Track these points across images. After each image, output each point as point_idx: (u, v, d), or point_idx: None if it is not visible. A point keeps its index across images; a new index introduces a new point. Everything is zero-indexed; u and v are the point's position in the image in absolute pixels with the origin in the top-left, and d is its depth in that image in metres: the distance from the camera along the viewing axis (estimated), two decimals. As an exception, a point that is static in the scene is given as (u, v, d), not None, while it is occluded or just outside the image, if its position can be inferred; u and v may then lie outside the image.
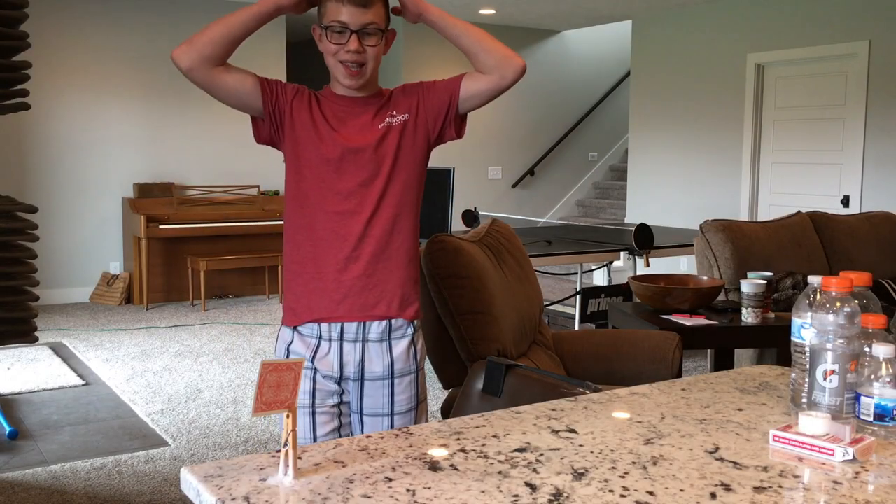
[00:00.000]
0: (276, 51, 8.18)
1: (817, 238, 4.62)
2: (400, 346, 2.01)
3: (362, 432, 2.01)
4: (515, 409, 1.56)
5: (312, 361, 1.97)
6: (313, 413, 1.97)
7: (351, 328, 1.96)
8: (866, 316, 1.47)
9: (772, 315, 3.46)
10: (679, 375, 2.99)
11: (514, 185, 9.62)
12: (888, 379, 1.41)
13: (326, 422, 1.98)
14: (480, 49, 1.95)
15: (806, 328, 1.49)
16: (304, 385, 1.95)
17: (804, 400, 1.48)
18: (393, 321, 1.99)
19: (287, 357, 1.99)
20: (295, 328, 1.99)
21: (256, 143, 2.04)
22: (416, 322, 2.04)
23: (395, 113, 1.97)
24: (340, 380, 1.99)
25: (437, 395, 4.78)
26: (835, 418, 1.39)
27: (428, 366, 2.14)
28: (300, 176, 1.95)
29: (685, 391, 1.70)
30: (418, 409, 2.08)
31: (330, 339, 1.97)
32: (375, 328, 1.97)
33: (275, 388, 1.26)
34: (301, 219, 1.96)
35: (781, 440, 1.36)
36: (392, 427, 2.00)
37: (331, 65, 1.94)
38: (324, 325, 1.96)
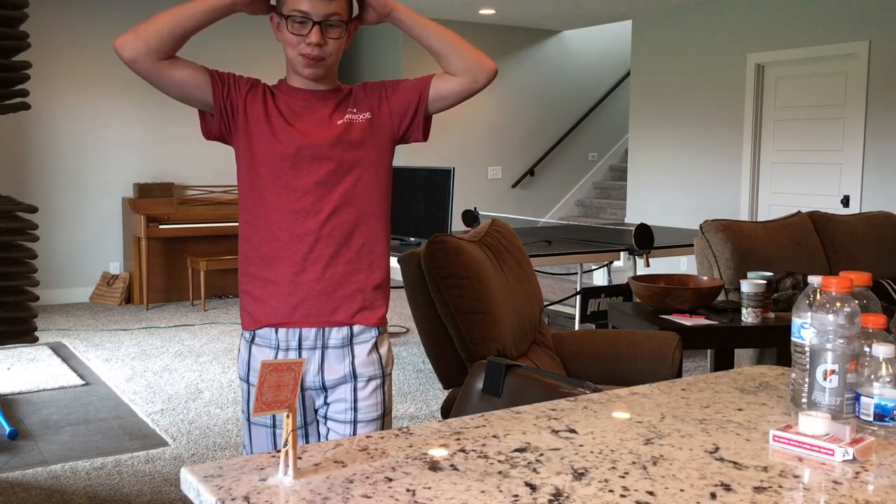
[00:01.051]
0: (276, 51, 8.17)
1: (817, 238, 4.62)
2: (362, 350, 1.92)
3: (327, 439, 1.92)
4: (515, 409, 1.56)
5: None
6: (274, 430, 1.91)
7: (310, 334, 1.88)
8: (866, 316, 1.47)
9: (772, 315, 3.46)
10: (679, 375, 2.99)
11: (514, 185, 9.63)
12: (888, 379, 1.41)
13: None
14: (452, 52, 1.88)
15: (806, 328, 1.49)
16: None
17: (804, 400, 1.48)
18: (354, 328, 1.90)
19: (248, 375, 1.93)
20: (252, 339, 1.91)
21: (204, 139, 1.98)
22: (380, 328, 1.95)
23: (355, 110, 1.90)
24: (303, 390, 1.91)
25: (437, 395, 4.78)
26: (835, 418, 1.39)
27: (428, 366, 2.12)
28: (254, 173, 1.86)
29: (685, 391, 1.70)
30: (384, 420, 1.97)
31: (287, 349, 1.88)
32: (335, 334, 1.89)
33: (275, 388, 1.26)
34: (256, 218, 1.87)
35: (781, 440, 1.36)
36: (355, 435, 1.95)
37: (289, 56, 1.86)
38: (281, 332, 1.88)
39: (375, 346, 1.94)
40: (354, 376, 1.92)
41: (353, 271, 1.89)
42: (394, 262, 2.86)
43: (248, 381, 1.95)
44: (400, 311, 6.92)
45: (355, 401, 1.92)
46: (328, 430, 1.95)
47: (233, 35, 7.97)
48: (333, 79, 1.93)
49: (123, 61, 1.78)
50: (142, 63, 1.78)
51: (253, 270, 1.90)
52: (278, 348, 1.89)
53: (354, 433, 1.92)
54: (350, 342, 1.91)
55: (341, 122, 1.88)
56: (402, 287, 2.76)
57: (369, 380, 1.93)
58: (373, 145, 1.91)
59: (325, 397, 1.93)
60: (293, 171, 1.85)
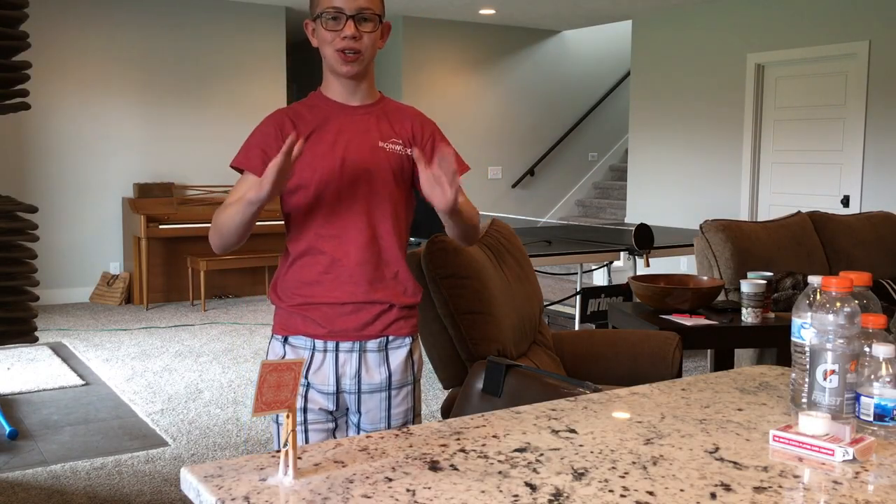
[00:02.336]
0: (276, 51, 8.18)
1: (817, 238, 4.62)
2: (398, 357, 1.95)
3: None
4: (515, 409, 1.56)
5: (306, 377, 1.89)
6: (306, 430, 1.91)
7: (346, 343, 1.91)
8: (866, 316, 1.47)
9: (772, 315, 3.46)
10: (679, 375, 2.99)
11: (514, 185, 9.63)
12: (888, 379, 1.41)
13: (321, 440, 1.92)
14: (463, 237, 1.95)
15: (806, 328, 1.49)
16: (298, 402, 1.87)
17: (804, 400, 1.48)
18: (390, 337, 1.94)
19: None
20: (286, 339, 1.93)
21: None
22: (413, 335, 1.98)
23: (398, 140, 1.93)
24: (337, 393, 1.91)
25: (437, 395, 4.78)
26: (835, 418, 1.39)
27: (428, 366, 2.12)
28: (299, 193, 1.90)
29: (685, 391, 1.70)
30: (413, 423, 2.00)
31: (325, 350, 1.90)
32: (372, 343, 1.92)
33: (275, 388, 1.26)
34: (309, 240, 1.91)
35: (781, 440, 1.36)
36: None
37: (327, 55, 1.88)
38: (318, 341, 1.90)
39: (410, 354, 1.98)
40: (390, 384, 1.95)
41: (385, 290, 1.97)
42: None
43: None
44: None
45: (389, 408, 1.96)
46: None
47: (234, 34, 7.96)
48: (372, 87, 1.97)
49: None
50: (236, 246, 1.89)
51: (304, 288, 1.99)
52: (314, 349, 1.94)
53: None
54: (386, 347, 1.95)
55: (383, 144, 1.92)
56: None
57: (403, 386, 1.97)
58: (402, 174, 1.98)
59: (359, 403, 1.94)
60: (335, 192, 1.94)
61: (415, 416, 2.02)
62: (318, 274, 1.88)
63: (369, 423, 1.95)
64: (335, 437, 1.96)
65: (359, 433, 1.96)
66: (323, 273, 1.88)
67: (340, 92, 1.93)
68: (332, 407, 1.92)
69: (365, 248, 1.88)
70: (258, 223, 1.96)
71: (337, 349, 1.90)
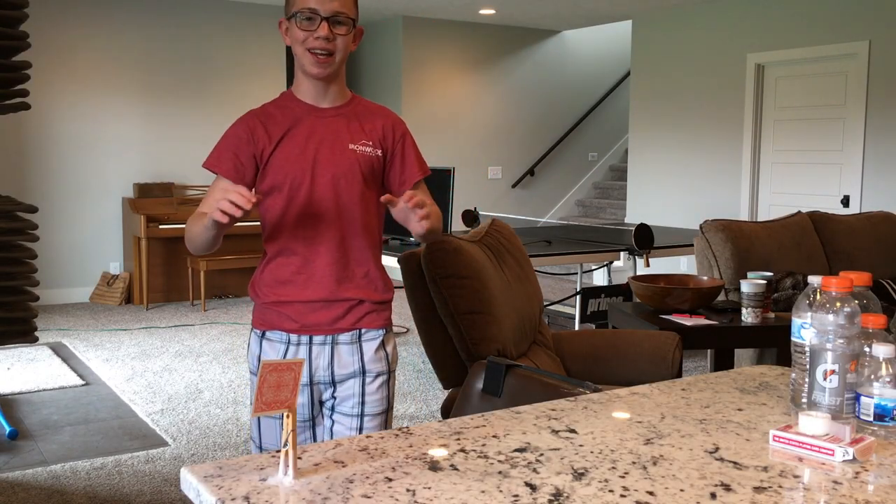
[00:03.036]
0: (276, 51, 8.18)
1: (817, 238, 4.62)
2: (371, 347, 2.00)
3: (331, 434, 2.00)
4: (515, 409, 1.56)
5: None
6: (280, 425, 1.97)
7: (319, 336, 1.97)
8: (866, 316, 1.47)
9: (772, 315, 3.46)
10: (679, 375, 2.99)
11: (514, 185, 9.63)
12: (888, 379, 1.41)
13: (300, 431, 1.98)
14: (426, 237, 1.99)
15: (806, 328, 1.49)
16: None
17: (804, 400, 1.48)
18: (363, 330, 2.00)
19: (258, 367, 1.97)
20: (263, 333, 2.00)
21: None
22: (387, 328, 2.05)
23: (368, 142, 1.97)
24: (311, 385, 1.98)
25: (437, 395, 4.78)
26: (835, 418, 1.39)
27: (428, 366, 2.12)
28: (273, 195, 1.95)
29: (685, 391, 1.70)
30: (388, 414, 2.06)
31: (298, 344, 1.97)
32: (344, 336, 1.98)
33: (275, 388, 1.26)
34: (285, 240, 1.97)
35: (781, 440, 1.36)
36: (361, 430, 1.99)
37: (298, 54, 1.92)
38: (292, 335, 1.97)
39: (383, 344, 2.04)
40: (364, 371, 2.00)
41: (353, 288, 2.04)
42: (394, 262, 2.87)
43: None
44: (400, 311, 6.92)
45: (363, 394, 2.00)
46: (333, 422, 2.01)
47: (234, 34, 7.96)
48: (342, 88, 2.00)
49: None
50: (208, 252, 1.96)
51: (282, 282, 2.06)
52: (289, 342, 2.00)
53: (361, 429, 2.00)
54: (359, 339, 2.00)
55: (353, 146, 1.96)
56: (402, 287, 2.76)
57: (377, 375, 2.02)
58: (373, 177, 2.05)
59: (334, 391, 2.00)
60: (307, 191, 2.01)
61: (389, 407, 2.06)
62: (290, 273, 1.95)
63: (343, 406, 2.00)
64: (313, 433, 2.02)
65: (332, 422, 2.00)
66: (295, 273, 1.94)
67: (311, 93, 1.96)
68: (304, 399, 1.97)
69: (335, 249, 1.94)
70: (257, 223, 2.00)
71: (311, 342, 1.96)
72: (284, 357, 1.95)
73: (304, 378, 1.96)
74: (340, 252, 1.94)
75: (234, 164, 1.92)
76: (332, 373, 1.97)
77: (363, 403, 2.00)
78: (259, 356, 1.99)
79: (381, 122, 2.01)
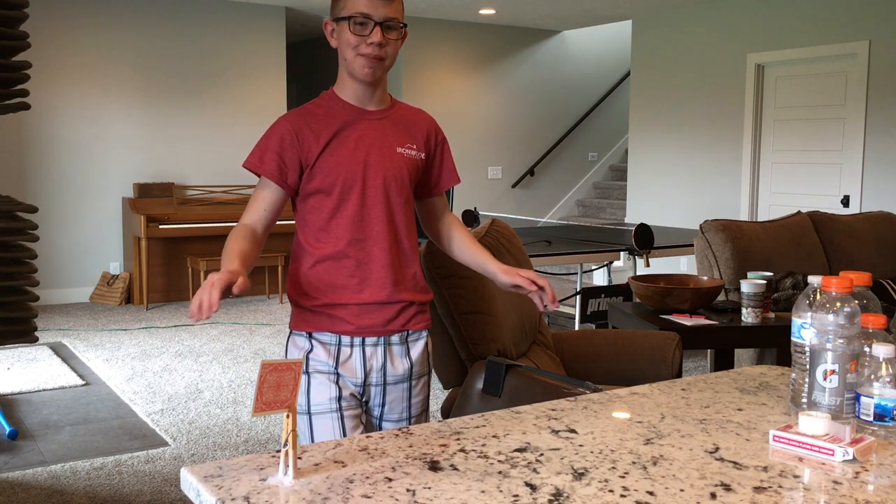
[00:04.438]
0: (276, 51, 8.18)
1: (817, 238, 4.62)
2: (417, 349, 2.02)
3: None
4: (515, 409, 1.56)
5: (336, 368, 1.94)
6: (342, 417, 1.94)
7: (372, 338, 1.97)
8: (866, 316, 1.47)
9: (772, 315, 3.46)
10: (679, 375, 2.99)
11: (514, 185, 9.63)
12: (888, 379, 1.41)
13: (355, 426, 1.95)
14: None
15: (806, 328, 1.49)
16: (331, 391, 1.92)
17: (804, 400, 1.48)
18: (410, 331, 2.02)
19: (307, 364, 1.95)
20: (311, 334, 1.96)
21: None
22: (428, 329, 2.07)
23: (413, 146, 2.00)
24: (364, 385, 1.97)
25: (437, 395, 4.78)
26: (835, 418, 1.39)
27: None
28: (320, 197, 1.93)
29: (685, 391, 1.70)
30: (427, 413, 2.09)
31: (352, 346, 1.95)
32: (395, 337, 1.99)
33: (275, 388, 1.26)
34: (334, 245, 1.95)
35: (781, 440, 1.36)
36: None
37: (348, 59, 1.90)
38: (345, 336, 1.95)
39: (426, 346, 2.06)
40: (411, 375, 2.02)
41: (403, 290, 2.05)
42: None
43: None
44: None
45: (410, 398, 2.03)
46: (381, 430, 1.98)
47: (233, 34, 7.96)
48: (384, 91, 2.00)
49: None
50: None
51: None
52: (340, 343, 1.98)
53: None
54: (406, 340, 2.01)
55: (401, 150, 1.98)
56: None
57: (421, 377, 2.06)
58: (416, 178, 2.08)
59: (384, 395, 2.00)
60: (359, 196, 2.00)
61: (428, 406, 2.11)
62: (345, 277, 1.92)
63: (392, 414, 2.01)
64: (363, 422, 2.00)
65: (380, 427, 2.01)
66: (349, 276, 1.92)
67: (356, 95, 1.95)
68: (360, 392, 1.97)
69: (389, 252, 1.94)
70: (280, 221, 1.99)
71: (363, 344, 1.95)
72: (337, 359, 1.93)
73: (360, 378, 1.95)
74: (393, 254, 1.94)
75: (279, 165, 1.89)
76: (385, 374, 1.98)
77: (410, 407, 2.03)
78: (310, 351, 1.94)
79: (424, 125, 2.04)
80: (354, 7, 1.85)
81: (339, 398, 1.93)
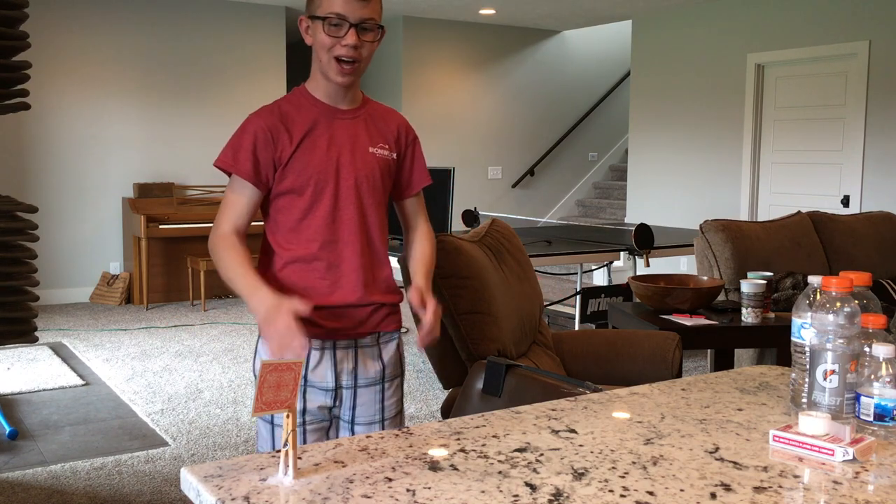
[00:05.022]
0: (276, 51, 8.18)
1: (817, 238, 4.62)
2: (389, 350, 1.99)
3: None
4: (515, 409, 1.56)
5: (306, 374, 1.89)
6: (304, 432, 1.91)
7: (343, 340, 1.93)
8: (866, 316, 1.47)
9: (772, 315, 3.46)
10: (679, 375, 2.99)
11: (514, 185, 9.63)
12: (888, 379, 1.41)
13: (318, 439, 1.93)
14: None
15: (806, 328, 1.49)
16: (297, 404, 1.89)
17: (804, 400, 1.48)
18: (381, 332, 1.98)
19: None
20: None
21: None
22: (399, 329, 2.04)
23: (385, 145, 1.96)
24: (335, 388, 1.92)
25: (437, 395, 4.78)
26: (835, 418, 1.39)
27: (428, 366, 2.12)
28: (291, 198, 1.89)
29: (685, 391, 1.70)
30: (401, 415, 2.05)
31: (322, 349, 1.91)
32: (366, 339, 1.95)
33: (275, 388, 1.26)
34: (306, 246, 1.90)
35: (781, 440, 1.36)
36: None
37: (322, 60, 1.85)
38: (315, 340, 1.90)
39: (398, 347, 2.04)
40: (383, 377, 1.99)
41: (376, 291, 2.01)
42: (394, 261, 2.87)
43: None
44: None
45: (383, 400, 1.99)
46: (353, 434, 1.95)
47: (234, 34, 7.96)
48: (357, 90, 1.96)
49: None
50: None
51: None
52: (311, 347, 1.94)
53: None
54: (378, 342, 1.98)
55: (373, 150, 1.94)
56: (402, 287, 2.76)
57: (394, 378, 2.02)
58: (389, 180, 2.04)
59: (355, 398, 1.95)
60: (332, 197, 1.97)
61: (402, 408, 2.07)
62: (315, 279, 1.88)
63: (364, 417, 1.96)
64: (328, 436, 1.97)
65: (352, 431, 1.97)
66: (320, 279, 1.88)
67: (329, 94, 1.91)
68: (331, 403, 1.93)
69: (361, 254, 1.90)
70: (256, 223, 1.95)
71: (335, 347, 1.91)
72: (308, 362, 1.89)
73: (330, 383, 1.91)
74: (365, 257, 1.91)
75: (253, 164, 1.85)
76: (356, 377, 1.94)
77: (383, 410, 1.98)
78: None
79: (394, 124, 2.00)
80: (330, 7, 1.80)
81: (304, 411, 1.90)
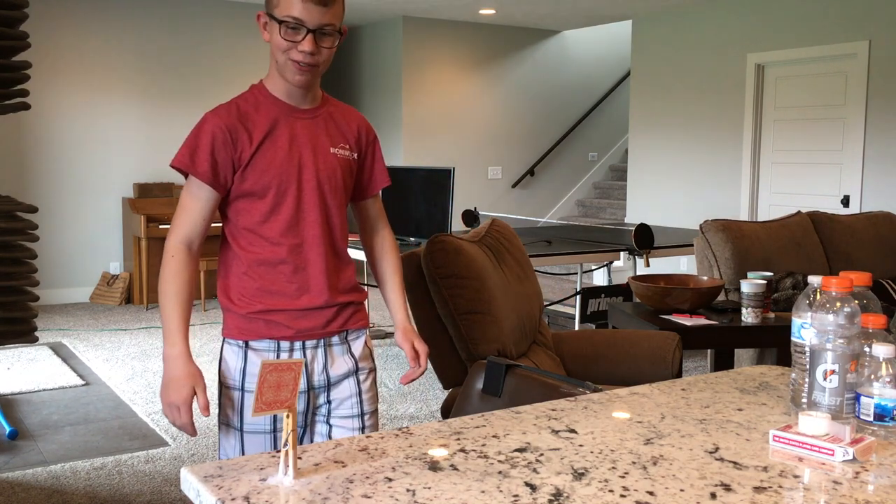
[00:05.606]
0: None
1: (817, 238, 4.62)
2: (358, 346, 1.97)
3: (331, 438, 1.93)
4: (515, 409, 1.56)
5: None
6: (275, 439, 1.88)
7: (311, 341, 1.91)
8: (866, 316, 1.47)
9: (772, 315, 3.46)
10: (679, 375, 2.99)
11: (514, 185, 9.62)
12: (888, 379, 1.41)
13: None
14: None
15: (806, 328, 1.49)
16: None
17: (804, 400, 1.48)
18: (349, 330, 1.97)
19: (243, 381, 1.87)
20: (247, 343, 1.88)
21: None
22: (366, 327, 2.03)
23: (346, 145, 1.94)
24: (308, 390, 1.89)
25: (437, 395, 4.78)
26: (835, 418, 1.39)
27: (428, 366, 2.12)
28: (251, 200, 1.85)
29: (685, 391, 1.70)
30: (376, 413, 2.03)
31: (291, 350, 1.88)
32: (335, 338, 1.94)
33: (275, 388, 1.26)
34: (263, 248, 1.87)
35: (781, 440, 1.36)
36: (364, 428, 1.95)
37: (279, 61, 1.81)
38: (283, 342, 1.88)
39: (366, 342, 2.02)
40: (357, 369, 1.97)
41: (342, 289, 2.02)
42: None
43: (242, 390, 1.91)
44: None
45: (360, 392, 1.97)
46: (331, 427, 1.95)
47: (234, 34, 7.96)
48: (316, 88, 1.92)
49: None
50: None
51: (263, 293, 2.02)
52: (279, 350, 1.94)
53: (363, 427, 1.96)
54: (346, 339, 1.97)
55: (335, 150, 1.93)
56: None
57: (368, 371, 2.01)
58: (350, 177, 2.03)
59: (329, 394, 1.94)
60: (292, 198, 1.97)
61: (377, 405, 2.06)
62: (281, 283, 1.86)
63: (342, 409, 1.94)
64: (301, 442, 1.94)
65: (328, 425, 1.94)
66: (287, 282, 1.86)
67: (288, 93, 1.87)
68: (302, 407, 1.90)
69: (326, 256, 1.89)
70: (216, 223, 1.93)
71: (304, 347, 1.89)
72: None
73: (302, 385, 1.88)
74: (329, 258, 1.89)
75: (211, 165, 1.79)
76: (328, 375, 1.92)
77: (361, 402, 1.96)
78: (244, 369, 1.87)
79: (355, 124, 1.97)
80: (288, 10, 1.75)
81: (275, 418, 1.86)
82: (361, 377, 1.97)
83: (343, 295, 1.93)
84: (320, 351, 1.91)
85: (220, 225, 1.94)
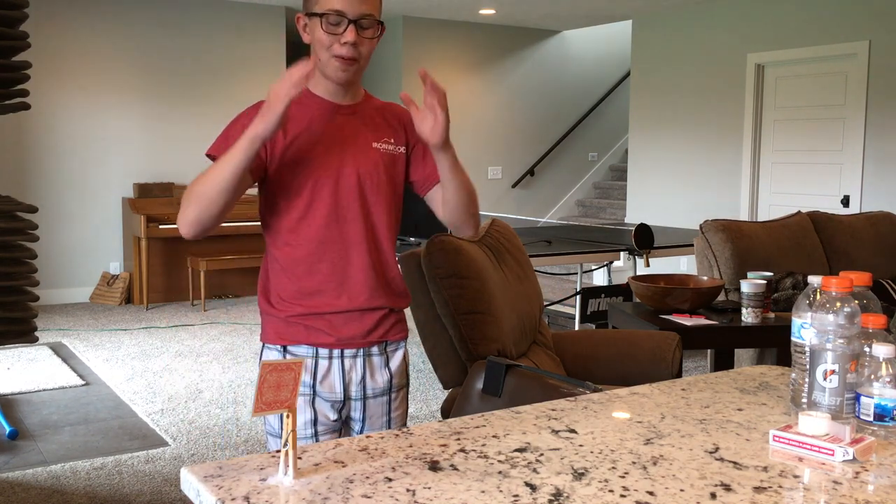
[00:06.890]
0: (276, 50, 8.18)
1: (817, 238, 4.62)
2: (396, 360, 1.94)
3: None
4: (515, 409, 1.56)
5: (314, 386, 1.84)
6: (316, 440, 1.86)
7: (351, 349, 1.88)
8: (866, 316, 1.47)
9: (772, 315, 3.46)
10: (679, 375, 2.99)
11: (514, 185, 9.62)
12: (888, 379, 1.41)
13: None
14: (464, 209, 1.90)
15: (806, 328, 1.49)
16: (306, 414, 1.83)
17: (804, 400, 1.48)
18: (388, 341, 1.93)
19: None
20: (285, 348, 1.85)
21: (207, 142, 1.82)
22: (406, 338, 1.98)
23: (391, 139, 1.89)
24: (343, 401, 1.87)
25: (437, 395, 4.78)
26: (835, 418, 1.39)
27: (428, 366, 2.11)
28: (289, 197, 1.82)
29: (685, 391, 1.70)
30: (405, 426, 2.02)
31: (330, 358, 1.85)
32: (374, 348, 1.90)
33: (275, 388, 1.26)
34: (308, 247, 1.83)
35: (781, 440, 1.36)
36: None
37: (322, 59, 1.79)
38: (322, 349, 1.85)
39: (405, 357, 1.97)
40: (391, 387, 1.93)
41: (384, 295, 1.94)
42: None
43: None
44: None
45: (390, 412, 1.95)
46: None
47: (234, 34, 7.96)
48: (358, 85, 1.90)
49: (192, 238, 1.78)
50: (216, 220, 1.74)
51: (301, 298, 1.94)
52: (318, 356, 1.89)
53: None
54: (385, 350, 1.93)
55: (377, 145, 1.88)
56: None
57: (401, 389, 1.97)
58: (397, 176, 1.95)
59: (364, 409, 1.90)
60: (331, 198, 1.89)
61: (405, 420, 2.02)
62: (320, 283, 1.82)
63: (372, 429, 1.92)
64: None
65: None
66: (325, 281, 1.82)
67: (329, 90, 1.85)
68: (334, 416, 1.88)
69: (367, 254, 1.84)
70: (257, 223, 1.91)
71: (342, 356, 1.85)
72: (315, 375, 1.83)
73: (339, 394, 1.86)
74: (372, 257, 1.84)
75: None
76: (365, 387, 1.88)
77: (390, 422, 1.94)
78: None
79: (399, 117, 1.93)
80: (328, 4, 1.75)
81: (315, 422, 1.84)
82: (394, 394, 1.94)
83: (384, 297, 1.87)
84: (359, 361, 1.87)
85: (258, 228, 1.89)
